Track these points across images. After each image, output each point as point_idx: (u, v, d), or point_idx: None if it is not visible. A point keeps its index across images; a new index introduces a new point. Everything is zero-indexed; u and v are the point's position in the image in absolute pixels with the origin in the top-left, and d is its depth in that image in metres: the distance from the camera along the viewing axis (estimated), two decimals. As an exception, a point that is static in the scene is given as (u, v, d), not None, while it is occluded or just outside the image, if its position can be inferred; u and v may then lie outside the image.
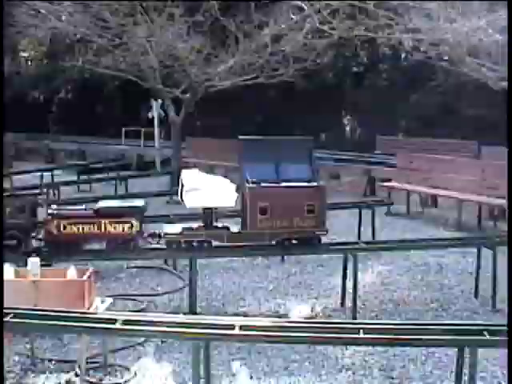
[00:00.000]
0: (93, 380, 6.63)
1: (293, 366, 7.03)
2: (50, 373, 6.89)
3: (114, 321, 5.81)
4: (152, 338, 7.09)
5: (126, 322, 5.78)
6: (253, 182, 8.16)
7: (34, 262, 6.81)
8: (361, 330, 5.65)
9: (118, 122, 32.34)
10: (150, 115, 24.64)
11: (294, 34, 17.77)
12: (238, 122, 25.44)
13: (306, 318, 8.13)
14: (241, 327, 5.59)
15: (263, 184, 8.20)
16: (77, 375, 6.67)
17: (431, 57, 16.19)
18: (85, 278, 6.59)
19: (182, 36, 19.15)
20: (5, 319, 5.97)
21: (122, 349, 7.39)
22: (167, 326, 5.71)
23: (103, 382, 6.66)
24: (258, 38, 18.66)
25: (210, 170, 17.25)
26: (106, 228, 7.94)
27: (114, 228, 7.94)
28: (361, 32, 16.05)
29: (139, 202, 8.26)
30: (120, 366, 7.01)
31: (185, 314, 8.10)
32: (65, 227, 7.93)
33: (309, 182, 8.38)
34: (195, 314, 8.07)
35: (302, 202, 8.15)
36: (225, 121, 27.60)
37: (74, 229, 7.94)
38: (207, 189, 8.09)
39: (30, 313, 6.10)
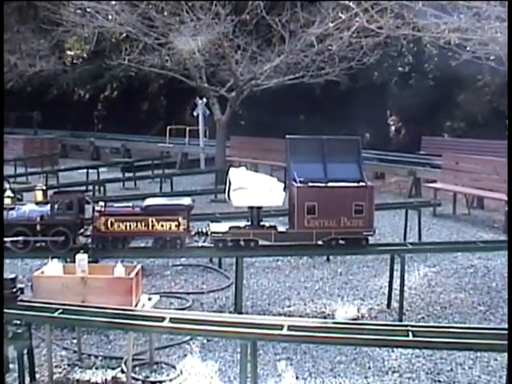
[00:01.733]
0: (139, 377, 6.64)
1: (339, 368, 6.97)
2: (97, 368, 6.93)
3: (162, 319, 5.82)
4: (200, 336, 7.08)
5: (173, 320, 5.78)
6: (300, 182, 8.11)
7: (81, 258, 6.84)
8: (410, 333, 5.58)
9: (163, 120, 32.54)
10: (194, 113, 24.72)
11: (340, 33, 17.67)
12: (283, 121, 25.36)
13: (352, 319, 8.05)
14: (289, 327, 5.56)
15: (311, 183, 8.15)
16: (123, 372, 6.70)
17: (479, 56, 15.95)
18: (132, 275, 6.60)
19: (227, 35, 19.17)
20: (53, 314, 6.03)
21: (168, 346, 7.41)
22: (215, 325, 5.70)
23: (149, 379, 6.66)
24: (304, 37, 18.60)
25: (255, 168, 17.26)
26: (153, 226, 7.94)
27: (162, 226, 7.95)
28: (408, 31, 15.89)
29: (186, 200, 8.24)
30: (166, 363, 7.02)
31: (230, 312, 8.12)
32: (112, 224, 7.96)
33: (357, 181, 8.30)
34: (241, 313, 8.05)
35: (349, 201, 8.08)
36: (269, 120, 27.54)
37: (122, 226, 7.96)
38: (255, 188, 8.06)
39: (77, 309, 6.15)
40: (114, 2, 21.02)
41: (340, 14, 17.00)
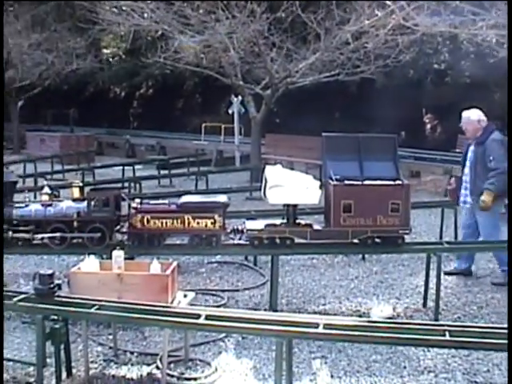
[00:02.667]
0: (174, 373, 6.66)
1: (374, 367, 6.93)
2: (132, 365, 6.95)
3: (198, 316, 5.83)
4: (236, 334, 7.08)
5: (209, 317, 5.79)
6: (336, 180, 8.09)
7: (118, 255, 6.87)
8: (447, 332, 5.53)
9: (198, 117, 32.65)
10: (229, 111, 24.79)
11: (376, 30, 17.58)
12: (318, 119, 25.30)
13: (387, 318, 8.00)
14: (325, 326, 5.55)
15: (347, 182, 8.12)
16: (158, 368, 6.73)
17: (518, 53, 15.76)
18: (168, 272, 6.62)
19: (263, 33, 19.19)
20: (90, 310, 6.08)
21: (203, 343, 7.43)
22: (251, 323, 5.70)
23: (184, 375, 6.68)
24: (340, 34, 18.55)
25: (290, 166, 17.23)
26: (189, 223, 7.95)
27: (197, 223, 7.95)
28: (444, 28, 15.76)
29: (222, 198, 8.25)
30: (201, 360, 7.03)
31: (265, 310, 8.11)
32: (148, 221, 7.99)
33: (393, 180, 8.25)
34: (276, 310, 8.04)
35: (386, 200, 8.02)
36: (304, 117, 27.49)
37: (158, 223, 7.99)
38: (291, 185, 8.04)
39: (114, 305, 6.18)
40: (149, 1, 21.15)
41: (376, 12, 16.91)
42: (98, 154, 29.24)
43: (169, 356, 6.59)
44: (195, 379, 6.60)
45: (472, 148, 9.81)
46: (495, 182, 9.34)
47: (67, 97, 38.82)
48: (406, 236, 8.42)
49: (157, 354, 7.00)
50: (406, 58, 19.13)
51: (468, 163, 9.87)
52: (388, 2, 15.99)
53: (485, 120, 9.80)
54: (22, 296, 6.45)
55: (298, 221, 8.37)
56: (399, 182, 8.23)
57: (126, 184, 17.02)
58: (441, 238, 11.55)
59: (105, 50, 38.44)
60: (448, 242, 9.36)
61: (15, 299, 6.38)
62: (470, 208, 9.89)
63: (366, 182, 8.16)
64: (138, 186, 17.58)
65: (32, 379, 6.46)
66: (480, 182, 9.51)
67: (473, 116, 9.83)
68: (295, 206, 8.31)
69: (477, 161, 9.61)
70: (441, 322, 7.39)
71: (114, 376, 6.69)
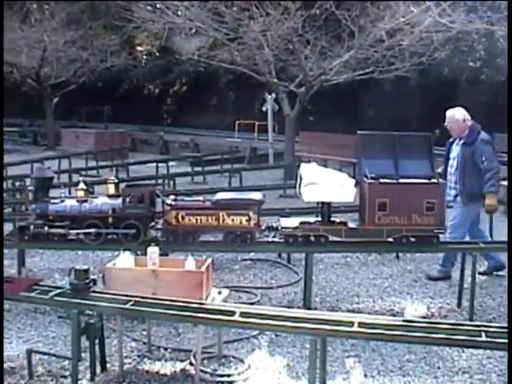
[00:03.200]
0: (207, 370, 6.67)
1: (408, 366, 6.88)
2: (166, 361, 6.98)
3: (232, 313, 5.84)
4: (270, 331, 7.07)
5: (244, 315, 5.80)
6: (371, 178, 8.04)
7: (153, 251, 6.89)
8: (483, 333, 5.49)
9: (232, 114, 32.69)
10: (263, 108, 24.77)
11: (411, 27, 17.48)
12: (351, 117, 25.23)
13: (421, 318, 7.95)
14: (359, 324, 5.52)
15: (382, 180, 8.07)
16: (191, 364, 6.75)
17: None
18: (203, 268, 6.63)
19: (297, 30, 19.15)
20: (125, 306, 6.11)
21: (237, 340, 7.44)
22: (286, 320, 5.69)
23: (217, 372, 6.69)
24: (374, 32, 18.46)
25: (324, 164, 17.17)
26: (223, 220, 7.95)
27: (232, 220, 7.95)
28: (481, 25, 15.64)
29: (257, 195, 8.23)
30: (234, 357, 7.03)
31: (299, 308, 8.10)
32: (183, 218, 8.00)
33: (428, 178, 8.19)
34: (309, 308, 8.03)
35: (421, 198, 7.96)
36: (338, 115, 27.43)
37: (193, 220, 8.00)
38: (326, 183, 8.01)
39: (148, 301, 6.21)
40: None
41: (411, 9, 16.81)
42: (131, 151, 29.42)
43: (202, 352, 6.61)
44: (228, 376, 6.60)
45: (458, 148, 9.71)
46: (495, 184, 9.29)
47: (101, 94, 39.12)
48: (441, 235, 8.36)
49: (190, 351, 7.03)
50: (441, 56, 18.97)
51: (454, 163, 9.76)
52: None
53: (469, 119, 9.73)
54: (58, 291, 6.52)
55: (332, 219, 8.35)
56: (434, 181, 8.17)
57: (160, 181, 17.07)
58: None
59: (139, 48, 38.68)
60: (483, 242, 9.26)
61: (51, 294, 6.45)
62: (458, 207, 9.73)
63: (401, 181, 8.11)
64: (171, 182, 17.64)
65: (67, 373, 6.52)
66: (469, 182, 9.43)
67: (457, 115, 9.75)
68: (330, 203, 8.28)
69: (465, 161, 9.51)
70: (476, 323, 7.31)
71: (147, 371, 6.72)
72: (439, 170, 9.35)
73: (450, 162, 9.85)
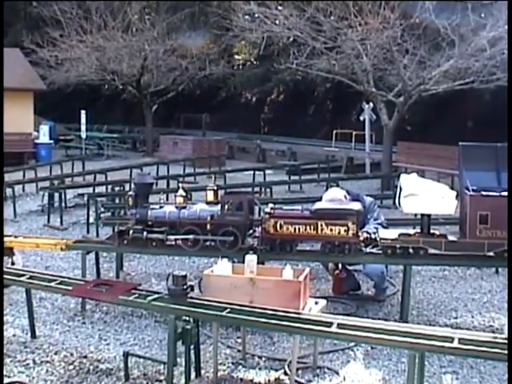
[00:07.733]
0: (301, 380, 6.63)
1: (508, 385, 6.69)
2: (260, 369, 6.97)
3: (330, 324, 5.79)
4: (367, 344, 6.98)
5: (341, 326, 5.74)
6: (473, 190, 7.85)
7: (251, 259, 6.90)
8: None
9: (329, 123, 32.62)
10: (361, 118, 24.65)
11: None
12: (450, 127, 24.77)
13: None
14: (460, 340, 5.38)
15: (484, 192, 7.86)
16: (286, 374, 6.72)
17: None
18: (301, 278, 6.59)
19: (396, 39, 18.96)
20: (222, 313, 6.13)
21: (332, 351, 7.37)
22: (383, 333, 5.60)
23: (312, 383, 6.64)
24: (475, 41, 18.09)
25: (421, 174, 16.91)
26: (321, 229, 7.87)
27: (330, 230, 7.86)
28: None
29: (356, 205, 8.13)
30: (329, 368, 6.97)
31: (395, 321, 7.96)
32: (281, 226, 7.97)
33: (531, 191, 7.93)
34: (406, 322, 7.89)
35: (524, 212, 7.72)
36: (436, 125, 26.98)
37: (291, 229, 7.95)
38: (426, 195, 7.86)
39: (245, 309, 6.21)
40: (280, 7, 21.31)
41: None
42: (228, 158, 29.70)
43: (297, 362, 6.57)
44: (323, 387, 6.55)
45: None
46: None
47: (200, 101, 39.67)
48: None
49: (285, 360, 7.00)
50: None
51: None
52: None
53: None
54: (156, 296, 6.58)
55: (432, 231, 8.18)
56: (539, 194, 7.90)
57: (256, 189, 17.14)
58: None
59: (236, 56, 39.10)
60: None
61: (149, 298, 6.52)
62: None
63: (504, 193, 7.87)
64: (268, 190, 17.69)
65: (162, 377, 6.60)
66: None
67: None
68: (430, 215, 8.12)
69: None
70: None
71: (241, 379, 6.73)
72: None
73: None
